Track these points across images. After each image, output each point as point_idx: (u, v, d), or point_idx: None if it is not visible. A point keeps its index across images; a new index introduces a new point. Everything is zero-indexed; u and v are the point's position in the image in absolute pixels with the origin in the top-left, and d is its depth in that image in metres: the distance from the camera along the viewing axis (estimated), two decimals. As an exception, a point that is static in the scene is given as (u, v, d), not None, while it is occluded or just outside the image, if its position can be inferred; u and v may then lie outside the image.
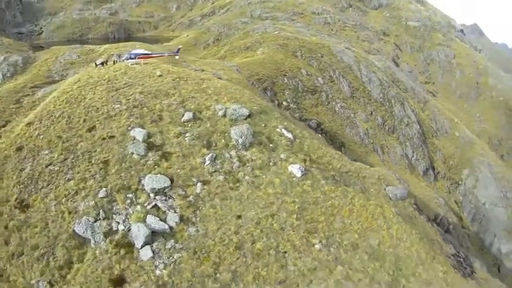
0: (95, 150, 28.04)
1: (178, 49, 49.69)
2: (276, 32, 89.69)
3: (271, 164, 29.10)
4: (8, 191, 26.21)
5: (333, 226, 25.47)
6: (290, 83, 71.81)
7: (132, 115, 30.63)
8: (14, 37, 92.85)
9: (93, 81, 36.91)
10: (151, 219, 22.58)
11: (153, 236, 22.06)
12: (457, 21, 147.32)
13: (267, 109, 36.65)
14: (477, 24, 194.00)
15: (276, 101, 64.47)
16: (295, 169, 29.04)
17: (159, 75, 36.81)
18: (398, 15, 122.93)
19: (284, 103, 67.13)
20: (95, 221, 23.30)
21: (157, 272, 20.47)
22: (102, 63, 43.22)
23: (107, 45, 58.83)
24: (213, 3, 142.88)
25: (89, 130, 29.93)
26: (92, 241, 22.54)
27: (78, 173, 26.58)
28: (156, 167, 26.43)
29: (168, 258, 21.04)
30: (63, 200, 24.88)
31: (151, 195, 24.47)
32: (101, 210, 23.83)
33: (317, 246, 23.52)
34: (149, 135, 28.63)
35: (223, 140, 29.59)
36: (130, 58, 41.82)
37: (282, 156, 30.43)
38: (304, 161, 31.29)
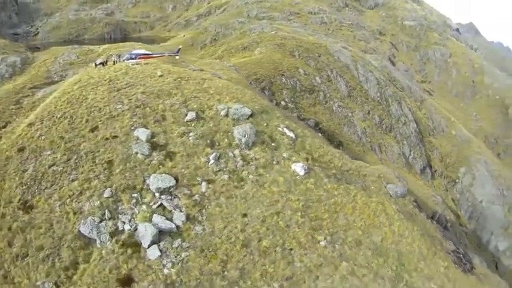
0: (99, 151, 28.03)
1: (179, 49, 49.77)
2: (273, 32, 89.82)
3: (274, 162, 29.32)
4: (11, 192, 26.09)
5: (336, 223, 25.78)
6: (288, 82, 71.94)
7: (135, 115, 30.67)
8: (10, 38, 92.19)
9: (94, 81, 36.89)
10: (158, 219, 22.65)
11: (160, 235, 22.12)
12: (452, 20, 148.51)
13: (268, 108, 36.86)
14: (473, 23, 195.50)
15: (274, 101, 64.59)
16: (298, 168, 29.28)
17: (160, 75, 36.89)
18: (394, 14, 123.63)
19: (282, 103, 67.30)
20: (101, 221, 23.25)
21: (165, 271, 20.53)
22: (102, 64, 43.19)
23: (105, 46, 58.77)
24: (209, 3, 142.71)
25: (92, 130, 29.92)
26: (98, 241, 22.48)
27: (82, 173, 26.53)
28: (160, 166, 26.51)
29: (175, 257, 21.13)
30: (68, 200, 24.82)
31: (157, 194, 24.54)
32: (106, 210, 23.79)
33: (322, 243, 23.80)
34: (153, 135, 28.70)
35: (226, 140, 29.75)
36: (131, 58, 41.84)
37: (285, 155, 30.67)
38: (307, 159, 31.55)
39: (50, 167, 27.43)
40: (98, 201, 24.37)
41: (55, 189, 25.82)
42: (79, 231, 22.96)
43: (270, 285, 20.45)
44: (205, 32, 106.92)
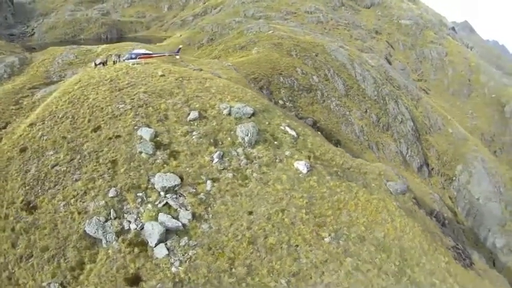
0: (102, 150, 28.05)
1: (179, 49, 49.81)
2: (270, 31, 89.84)
3: (277, 160, 29.52)
4: (13, 193, 26.03)
5: (340, 220, 26.04)
6: (286, 81, 72.07)
7: (138, 115, 30.72)
8: (6, 39, 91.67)
9: (94, 81, 36.88)
10: (164, 217, 22.74)
11: (167, 233, 22.20)
12: (447, 19, 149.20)
13: (270, 107, 37.06)
14: (468, 21, 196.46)
15: (272, 100, 64.69)
16: (301, 165, 29.50)
17: (162, 75, 36.95)
18: (390, 13, 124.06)
19: (280, 102, 67.48)
20: (106, 221, 23.27)
21: (173, 269, 20.62)
22: (102, 63, 43.16)
23: (104, 46, 58.66)
24: (204, 3, 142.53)
25: (94, 130, 29.93)
26: (104, 241, 22.48)
27: (85, 173, 26.55)
28: (165, 165, 26.61)
29: (183, 255, 21.23)
30: (72, 200, 24.80)
31: (162, 193, 24.64)
32: (111, 210, 23.81)
33: (327, 239, 24.07)
34: (156, 134, 28.79)
35: (229, 138, 29.90)
36: (131, 58, 41.80)
37: (287, 153, 30.87)
38: (309, 157, 31.78)
39: (53, 167, 27.41)
40: (103, 201, 24.39)
41: (59, 190, 25.82)
42: (84, 231, 22.96)
43: (277, 282, 20.66)
44: (202, 31, 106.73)
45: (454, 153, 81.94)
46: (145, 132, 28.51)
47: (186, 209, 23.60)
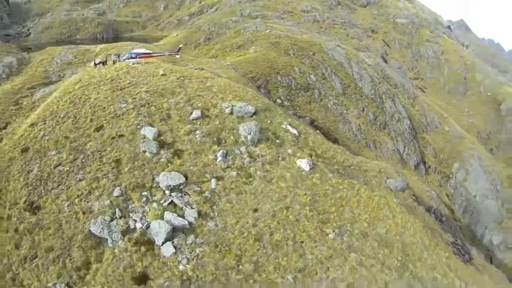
0: (105, 150, 28.07)
1: (179, 48, 49.86)
2: (268, 31, 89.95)
3: (280, 159, 29.75)
4: (16, 194, 25.91)
5: (343, 216, 26.39)
6: (283, 80, 72.24)
7: (140, 114, 30.78)
8: (2, 39, 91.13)
9: (95, 81, 36.85)
10: (170, 216, 22.83)
11: (173, 232, 22.31)
12: (443, 18, 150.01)
13: (271, 106, 37.29)
14: (463, 20, 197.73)
15: (270, 99, 64.99)
16: (304, 163, 29.75)
17: (163, 74, 37.02)
18: (386, 12, 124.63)
19: (278, 101, 67.66)
20: (111, 220, 23.28)
21: (181, 267, 20.73)
22: (102, 63, 43.12)
23: (102, 45, 58.49)
24: (200, 2, 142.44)
25: (97, 130, 29.93)
26: (109, 240, 22.49)
27: (89, 172, 26.54)
28: (169, 164, 26.72)
29: (190, 253, 21.36)
30: (76, 200, 24.78)
31: (167, 192, 24.74)
32: (116, 209, 23.84)
33: (331, 236, 24.39)
34: (159, 134, 28.88)
35: (232, 137, 30.07)
36: (131, 57, 41.79)
37: (289, 151, 31.10)
38: (310, 155, 32.07)
39: (55, 167, 27.35)
40: (108, 200, 24.40)
41: (62, 190, 25.75)
42: (89, 231, 22.94)
43: (284, 278, 20.91)
44: (198, 31, 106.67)
45: (450, 151, 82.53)
46: (149, 132, 28.59)
47: (192, 207, 23.72)
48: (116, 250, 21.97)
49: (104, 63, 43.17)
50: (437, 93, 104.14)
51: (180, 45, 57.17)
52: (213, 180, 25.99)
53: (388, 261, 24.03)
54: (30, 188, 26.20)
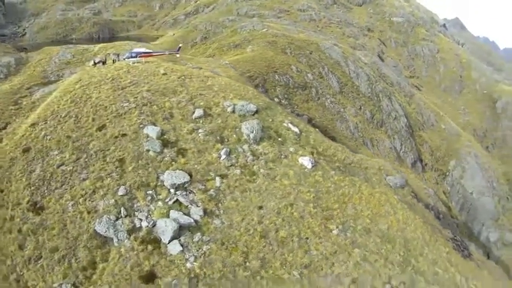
0: (108, 149, 28.10)
1: (179, 47, 49.92)
2: (264, 30, 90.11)
3: (282, 156, 30.00)
4: (18, 194, 25.82)
5: (346, 213, 26.75)
6: (281, 79, 72.34)
7: (143, 113, 30.84)
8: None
9: (96, 80, 36.84)
10: (176, 214, 22.92)
11: (179, 230, 22.37)
12: (439, 16, 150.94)
13: (272, 105, 37.51)
14: (458, 18, 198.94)
15: (267, 98, 65.20)
16: (306, 161, 30.02)
17: (164, 73, 37.09)
18: (382, 11, 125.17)
19: (276, 99, 67.72)
20: (117, 219, 23.27)
21: (188, 265, 20.83)
22: (101, 62, 43.07)
23: (100, 45, 58.32)
24: (196, 1, 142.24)
25: (99, 129, 29.94)
26: (115, 239, 22.48)
27: (93, 172, 26.53)
28: (173, 163, 26.83)
29: (197, 250, 21.47)
30: (81, 200, 24.76)
31: (172, 190, 24.83)
32: (121, 208, 23.85)
33: (335, 232, 24.72)
34: (163, 132, 28.97)
35: (234, 135, 30.27)
36: (131, 57, 41.81)
37: (291, 149, 31.36)
38: (312, 153, 32.37)
39: (58, 166, 27.30)
40: (113, 200, 24.41)
41: (66, 189, 25.71)
42: (95, 230, 22.91)
43: (290, 274, 21.14)
44: (195, 30, 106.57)
45: (447, 149, 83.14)
46: (152, 130, 28.66)
47: (197, 206, 23.85)
48: (122, 249, 21.95)
49: (103, 62, 43.12)
50: (433, 92, 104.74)
51: (180, 44, 57.28)
52: (218, 178, 26.16)
53: (391, 256, 24.41)
54: (33, 188, 26.11)
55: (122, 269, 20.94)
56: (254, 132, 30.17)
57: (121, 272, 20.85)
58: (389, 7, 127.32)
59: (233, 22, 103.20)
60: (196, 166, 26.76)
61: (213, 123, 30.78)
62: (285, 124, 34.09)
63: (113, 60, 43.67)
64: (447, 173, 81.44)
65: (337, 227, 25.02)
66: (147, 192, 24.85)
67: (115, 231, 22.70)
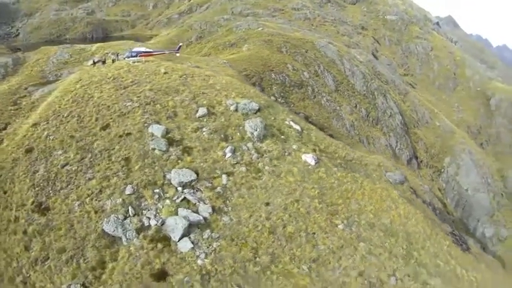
0: (113, 148, 28.13)
1: (179, 47, 50.00)
2: (260, 29, 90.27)
3: (286, 154, 30.37)
4: (22, 195, 25.66)
5: (350, 208, 27.32)
6: (277, 78, 72.47)
7: (146, 112, 30.93)
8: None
9: (96, 79, 36.84)
10: (185, 212, 23.12)
11: (189, 228, 22.53)
12: (431, 14, 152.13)
13: (273, 103, 37.91)
14: (451, 16, 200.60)
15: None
16: (309, 158, 30.40)
17: (165, 73, 37.19)
18: (376, 9, 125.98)
19: (272, 98, 67.95)
20: (125, 218, 23.29)
21: (199, 261, 21.02)
22: (101, 62, 42.99)
23: (98, 44, 58.12)
24: (189, 0, 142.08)
25: (103, 128, 29.96)
26: (124, 238, 22.47)
27: (98, 171, 26.52)
28: (179, 161, 27.01)
29: (207, 247, 21.70)
30: (87, 199, 24.72)
31: (179, 188, 25.00)
32: (129, 207, 23.90)
33: (340, 227, 25.29)
34: (167, 131, 29.12)
35: (238, 134, 30.54)
36: (132, 56, 41.81)
37: (294, 146, 31.72)
38: (314, 150, 32.79)
39: (63, 166, 27.24)
40: (120, 199, 24.44)
41: (72, 189, 25.63)
42: (103, 230, 22.86)
43: (299, 268, 21.53)
44: (190, 29, 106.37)
45: (441, 146, 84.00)
46: (157, 129, 28.78)
47: (205, 203, 24.07)
48: (132, 248, 21.97)
49: (103, 62, 43.06)
50: (427, 89, 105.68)
51: (180, 44, 57.31)
52: (224, 176, 26.42)
53: (394, 249, 25.06)
54: (37, 188, 25.98)
55: (132, 268, 20.96)
56: (258, 130, 30.46)
57: (131, 270, 20.86)
58: (382, 5, 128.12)
59: (228, 21, 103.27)
60: (202, 164, 26.97)
61: (216, 121, 31.00)
62: (286, 122, 34.43)
63: (113, 60, 43.63)
64: (442, 170, 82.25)
65: (342, 222, 25.57)
66: (155, 190, 24.97)
67: (123, 230, 22.70)
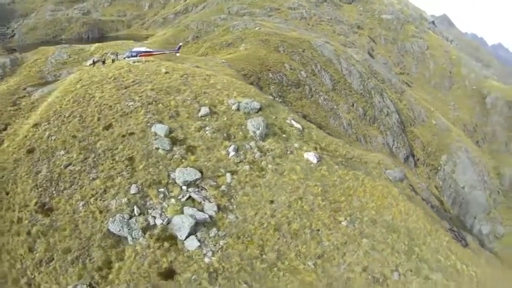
0: (117, 148, 28.16)
1: (179, 46, 50.05)
2: (257, 28, 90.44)
3: (288, 152, 30.62)
4: (25, 196, 25.57)
5: (352, 205, 27.63)
6: (275, 77, 72.74)
7: (149, 112, 31.01)
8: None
9: (97, 79, 36.84)
10: (191, 211, 23.22)
11: (195, 226, 22.61)
12: (426, 13, 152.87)
13: (273, 102, 38.12)
14: (446, 14, 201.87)
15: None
16: (311, 156, 30.66)
17: (166, 72, 37.30)
18: (372, 8, 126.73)
19: (270, 97, 68.26)
20: (130, 218, 23.28)
21: (206, 259, 21.14)
22: (101, 62, 42.98)
23: (96, 44, 58.10)
24: (185, 0, 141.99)
25: (106, 128, 29.98)
26: (130, 238, 22.46)
27: (102, 171, 26.50)
28: (183, 160, 27.13)
29: (214, 245, 21.83)
30: (92, 199, 24.67)
31: (184, 187, 25.11)
32: (134, 207, 23.93)
33: (343, 223, 25.58)
34: (171, 131, 29.22)
35: (241, 132, 30.74)
36: (132, 56, 41.85)
37: (296, 145, 31.97)
38: (316, 149, 33.08)
39: (66, 167, 27.17)
40: (125, 198, 24.44)
41: (75, 189, 25.57)
42: (108, 229, 22.80)
43: (305, 264, 21.80)
44: (186, 29, 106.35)
45: (438, 144, 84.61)
46: (160, 129, 28.88)
47: (210, 201, 24.22)
48: (138, 247, 21.96)
49: (103, 62, 43.04)
50: (423, 88, 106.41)
51: (180, 44, 57.37)
52: (228, 174, 26.60)
53: (396, 245, 25.36)
54: (40, 189, 25.90)
55: (140, 267, 20.95)
56: (260, 129, 30.66)
57: (139, 270, 20.84)
58: (378, 4, 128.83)
59: (225, 21, 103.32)
60: (206, 163, 27.13)
61: (219, 120, 31.17)
62: (288, 121, 34.66)
63: (112, 60, 43.63)
64: (439, 168, 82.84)
65: (345, 219, 25.87)
66: (159, 190, 25.04)
67: (129, 229, 22.68)
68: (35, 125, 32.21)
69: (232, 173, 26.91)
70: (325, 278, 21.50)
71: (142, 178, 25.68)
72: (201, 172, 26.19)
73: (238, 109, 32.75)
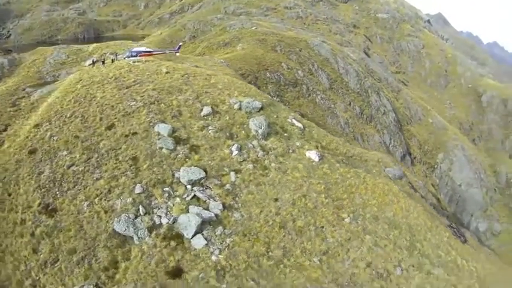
0: (120, 148, 28.14)
1: (179, 46, 50.07)
2: (254, 28, 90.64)
3: (290, 151, 30.87)
4: (28, 197, 25.43)
5: (354, 202, 27.98)
6: (272, 76, 72.97)
7: (151, 111, 31.06)
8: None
9: (98, 79, 36.80)
10: (196, 209, 23.31)
11: (201, 225, 22.73)
12: (422, 11, 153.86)
13: (274, 102, 38.32)
14: (441, 13, 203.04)
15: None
16: (313, 155, 30.93)
17: (167, 72, 37.36)
18: (367, 7, 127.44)
19: (267, 96, 68.50)
20: (136, 217, 23.25)
21: (213, 257, 21.28)
22: (101, 62, 42.93)
23: (95, 44, 57.86)
24: (181, 0, 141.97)
25: (109, 128, 29.96)
26: (135, 238, 22.44)
27: (106, 171, 26.47)
28: (187, 159, 27.22)
29: (221, 243, 21.99)
30: (96, 199, 24.62)
31: (189, 186, 25.22)
32: (140, 206, 23.93)
33: (347, 220, 25.95)
34: (174, 130, 29.30)
35: (243, 132, 30.91)
36: (132, 56, 41.85)
37: (298, 144, 32.22)
38: (317, 147, 33.37)
39: (69, 167, 27.12)
40: (130, 198, 24.44)
41: (79, 190, 25.50)
42: (113, 229, 22.73)
43: (310, 260, 22.10)
44: (183, 29, 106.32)
45: (434, 142, 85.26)
46: (163, 128, 28.96)
47: (215, 200, 24.36)
48: (144, 247, 21.95)
49: (103, 62, 43.01)
50: (419, 87, 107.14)
51: (180, 43, 57.42)
52: (232, 173, 26.78)
53: (398, 241, 25.81)
54: (43, 190, 25.79)
55: (147, 266, 20.94)
56: (262, 128, 30.87)
57: (146, 269, 20.83)
58: (374, 3, 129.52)
59: (221, 20, 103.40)
60: (210, 162, 27.27)
61: (221, 120, 31.34)
62: (289, 120, 34.89)
63: (112, 60, 43.60)
64: (435, 166, 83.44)
65: (348, 216, 26.23)
66: (164, 189, 25.11)
67: (135, 229, 22.66)
68: (36, 126, 32.06)
69: (236, 171, 27.08)
70: (330, 274, 21.79)
71: (147, 178, 25.72)
72: (205, 171, 26.33)
73: (240, 108, 32.93)
